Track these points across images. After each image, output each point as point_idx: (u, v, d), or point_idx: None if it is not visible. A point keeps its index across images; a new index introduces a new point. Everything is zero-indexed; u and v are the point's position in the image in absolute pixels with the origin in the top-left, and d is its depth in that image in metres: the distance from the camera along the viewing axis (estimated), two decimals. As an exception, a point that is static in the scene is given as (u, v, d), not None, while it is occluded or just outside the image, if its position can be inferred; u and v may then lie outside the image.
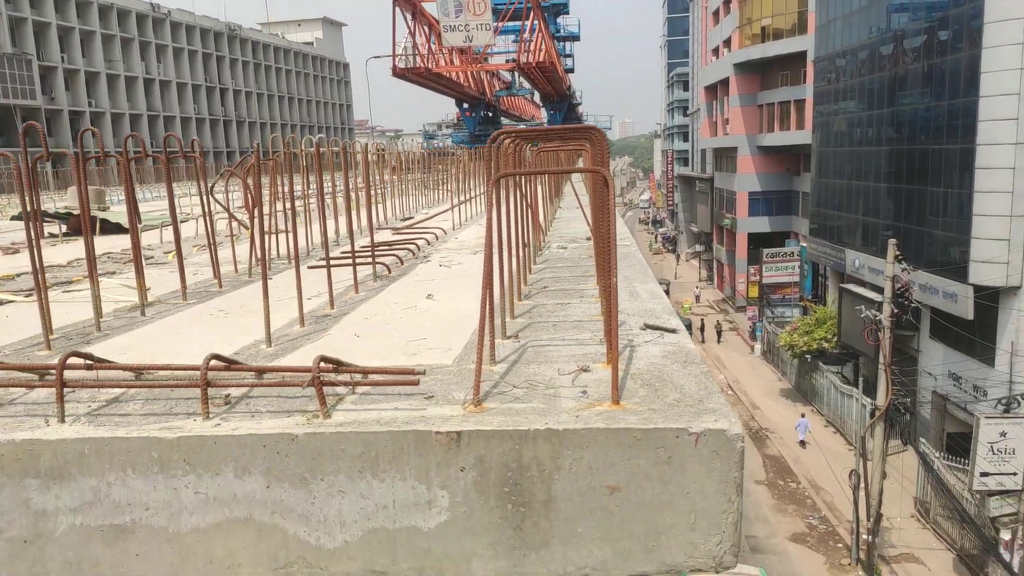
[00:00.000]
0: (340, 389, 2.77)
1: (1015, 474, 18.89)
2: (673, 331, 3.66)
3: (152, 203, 19.06)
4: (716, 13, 57.90)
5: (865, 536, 20.48)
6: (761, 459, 28.03)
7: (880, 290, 22.16)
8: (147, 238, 9.27)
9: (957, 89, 23.89)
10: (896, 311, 19.57)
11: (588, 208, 6.35)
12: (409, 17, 30.75)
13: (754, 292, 42.73)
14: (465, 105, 40.97)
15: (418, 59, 31.21)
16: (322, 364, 2.61)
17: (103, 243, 8.63)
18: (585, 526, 2.27)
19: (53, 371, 2.64)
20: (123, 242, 8.53)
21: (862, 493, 20.77)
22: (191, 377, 2.76)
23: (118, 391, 2.80)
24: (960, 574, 20.26)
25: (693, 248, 72.32)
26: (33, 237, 3.71)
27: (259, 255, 3.91)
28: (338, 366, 2.76)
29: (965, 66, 23.32)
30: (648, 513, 2.27)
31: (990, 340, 23.02)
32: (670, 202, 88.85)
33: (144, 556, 2.32)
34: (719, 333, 42.75)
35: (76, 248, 8.60)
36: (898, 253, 19.43)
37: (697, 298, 53.95)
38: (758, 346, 41.42)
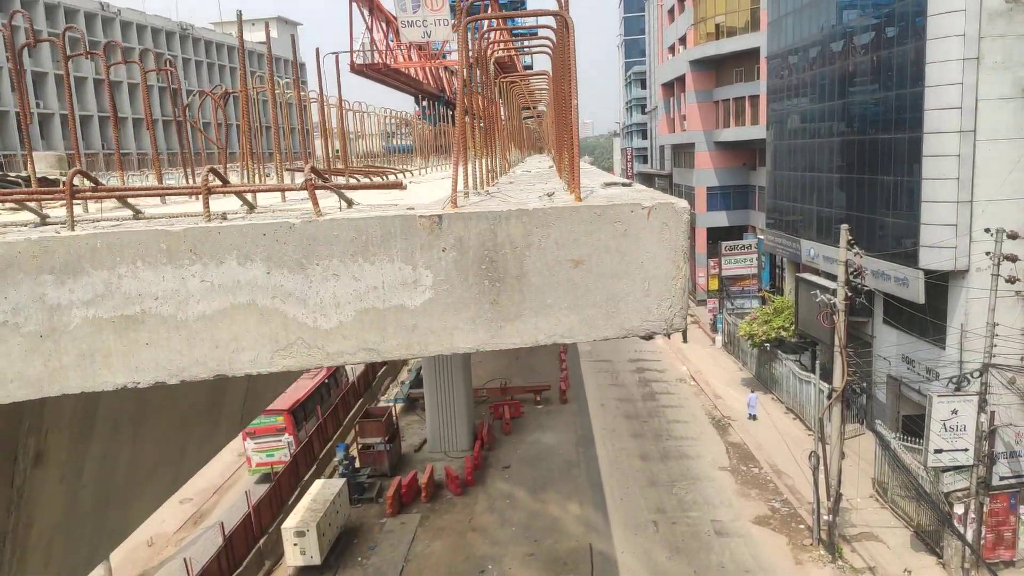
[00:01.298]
0: (328, 209, 2.86)
1: (966, 450, 19.49)
2: (629, 184, 3.87)
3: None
4: (671, 11, 58.64)
5: (826, 516, 20.96)
6: (724, 446, 28.49)
7: (835, 278, 22.69)
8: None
9: (904, 80, 24.58)
10: (850, 295, 20.07)
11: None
12: (366, 12, 30.56)
13: (714, 284, 43.36)
14: (424, 103, 40.86)
15: (376, 55, 31.03)
16: (312, 175, 2.70)
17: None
18: (553, 297, 2.45)
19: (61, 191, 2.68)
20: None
21: (821, 475, 21.24)
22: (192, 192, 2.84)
23: (118, 221, 2.84)
24: (917, 549, 20.85)
25: (653, 244, 73.10)
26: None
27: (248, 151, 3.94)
28: (326, 180, 2.84)
29: (911, 58, 24.01)
30: (608, 283, 2.44)
31: (941, 323, 23.72)
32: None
33: (154, 344, 2.41)
34: (684, 333, 43.09)
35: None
36: (850, 238, 19.93)
37: None
38: (719, 338, 42.06)
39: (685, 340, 42.03)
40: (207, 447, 5.35)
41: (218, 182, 2.79)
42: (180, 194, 2.85)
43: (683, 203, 2.60)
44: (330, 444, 28.25)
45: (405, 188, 2.81)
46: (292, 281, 2.41)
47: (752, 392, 32.41)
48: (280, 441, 25.62)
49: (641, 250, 2.51)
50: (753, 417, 30.81)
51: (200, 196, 2.64)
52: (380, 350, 2.47)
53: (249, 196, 3.01)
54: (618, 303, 2.49)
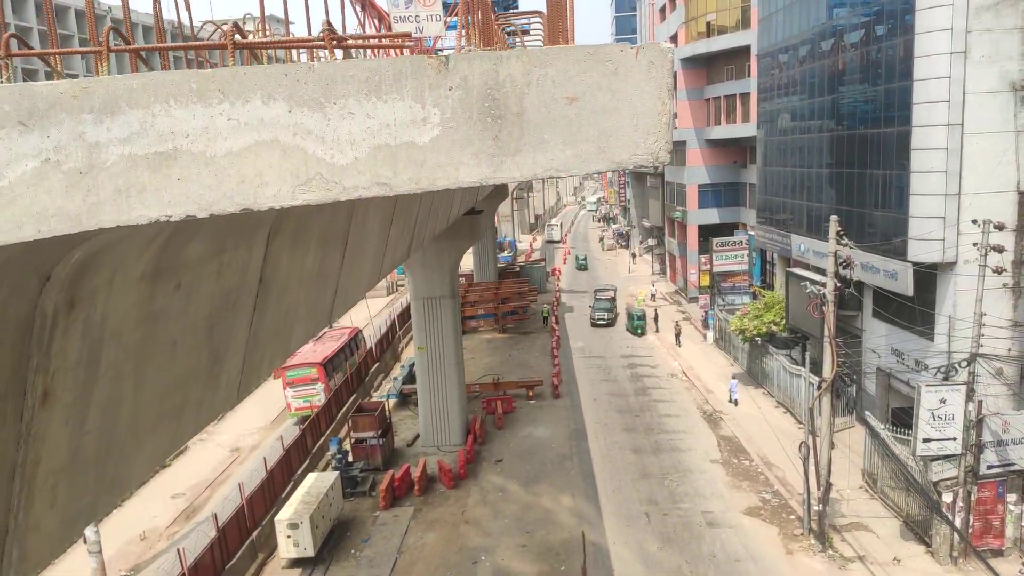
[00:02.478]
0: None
1: (955, 439, 19.70)
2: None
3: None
4: (663, 10, 58.86)
5: (816, 506, 21.12)
6: (716, 439, 28.65)
7: (824, 272, 22.89)
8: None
9: (893, 75, 24.81)
10: (839, 285, 20.25)
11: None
12: (359, 8, 30.62)
13: (706, 280, 43.55)
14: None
15: (369, 52, 31.10)
16: (327, 27, 2.79)
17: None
18: (550, 133, 2.59)
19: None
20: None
21: (812, 465, 21.41)
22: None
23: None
24: (906, 539, 21.04)
25: (646, 243, 73.31)
26: None
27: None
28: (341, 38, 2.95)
29: (900, 54, 24.23)
30: (600, 119, 2.56)
31: (929, 316, 23.95)
32: (622, 198, 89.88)
33: (185, 180, 2.53)
34: (678, 336, 42.10)
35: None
36: (839, 229, 20.11)
37: (654, 295, 53.88)
38: (710, 334, 42.25)
39: (679, 343, 41.64)
40: (205, 411, 5.43)
41: (242, 41, 2.90)
42: (207, 48, 2.97)
43: (667, 44, 2.73)
44: (323, 439, 28.27)
45: (411, 35, 2.96)
46: (311, 119, 2.53)
47: (733, 379, 33.74)
48: (314, 389, 30.72)
49: (630, 87, 2.64)
50: (735, 402, 32.21)
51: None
52: (392, 184, 2.59)
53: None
54: (609, 138, 2.62)
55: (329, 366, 31.91)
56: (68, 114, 2.42)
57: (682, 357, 39.48)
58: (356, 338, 36.94)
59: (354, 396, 33.09)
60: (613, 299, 48.89)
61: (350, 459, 26.19)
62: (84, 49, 3.12)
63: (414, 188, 2.58)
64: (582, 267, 70.38)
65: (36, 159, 2.38)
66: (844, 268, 20.13)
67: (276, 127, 2.54)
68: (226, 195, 2.47)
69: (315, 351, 32.57)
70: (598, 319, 46.93)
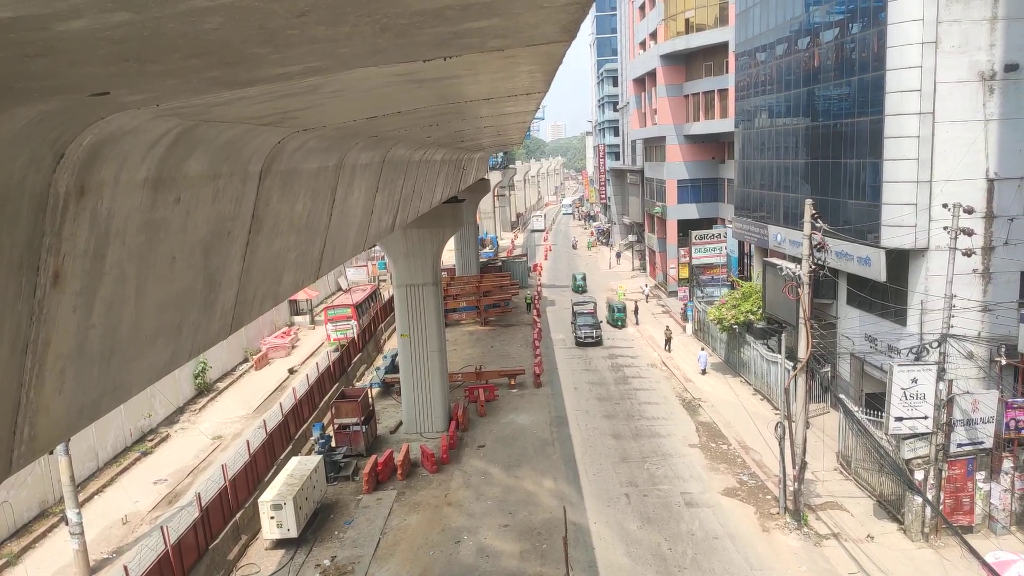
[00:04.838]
0: None
1: (926, 418, 20.20)
2: None
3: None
4: (642, 7, 59.48)
5: (791, 485, 21.55)
6: (694, 425, 29.07)
7: (800, 261, 23.33)
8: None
9: (867, 67, 25.36)
10: (814, 267, 20.70)
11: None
12: None
13: (684, 272, 44.06)
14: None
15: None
16: None
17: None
18: None
19: None
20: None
21: (787, 444, 21.84)
22: None
23: None
24: (880, 517, 21.53)
25: (627, 239, 73.86)
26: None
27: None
28: None
29: (874, 45, 24.78)
30: None
31: (902, 301, 24.51)
32: (603, 196, 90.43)
33: None
34: (668, 341, 39.82)
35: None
36: (814, 212, 20.57)
37: (647, 297, 53.01)
38: (689, 325, 42.75)
39: (668, 350, 39.46)
40: (201, 336, 5.61)
41: None
42: None
43: None
44: (306, 425, 28.33)
45: None
46: None
47: (703, 350, 35.98)
48: (349, 324, 40.60)
49: None
50: (703, 371, 34.90)
51: None
52: None
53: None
54: None
55: (360, 308, 42.51)
56: None
57: (661, 348, 39.91)
58: (375, 292, 48.07)
59: (336, 385, 33.17)
60: (595, 312, 43.22)
61: (333, 444, 26.30)
62: None
63: None
64: (580, 288, 56.78)
65: None
66: (818, 251, 20.59)
67: None
68: None
69: (349, 297, 44.31)
70: (584, 337, 41.01)
